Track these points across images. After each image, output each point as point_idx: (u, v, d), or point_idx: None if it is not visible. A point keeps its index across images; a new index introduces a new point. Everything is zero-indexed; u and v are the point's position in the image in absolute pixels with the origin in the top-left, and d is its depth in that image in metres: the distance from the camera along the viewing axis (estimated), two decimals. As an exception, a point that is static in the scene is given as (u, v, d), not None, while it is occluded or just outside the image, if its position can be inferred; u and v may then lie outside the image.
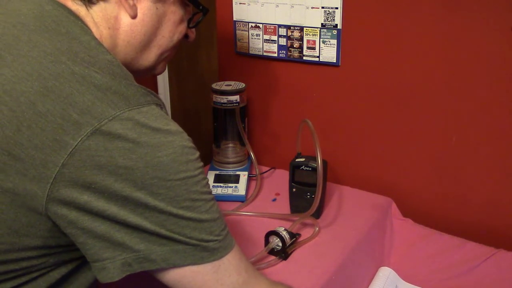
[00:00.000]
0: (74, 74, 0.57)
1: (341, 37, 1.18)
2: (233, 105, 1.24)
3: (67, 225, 0.57)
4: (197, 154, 0.62)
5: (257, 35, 1.31)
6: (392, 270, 1.09)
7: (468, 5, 1.01)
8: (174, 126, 0.61)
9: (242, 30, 1.33)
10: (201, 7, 0.79)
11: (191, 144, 0.61)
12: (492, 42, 1.01)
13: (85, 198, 0.56)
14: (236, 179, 1.24)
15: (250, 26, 1.31)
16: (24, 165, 0.54)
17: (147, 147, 0.56)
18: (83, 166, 0.54)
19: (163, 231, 0.59)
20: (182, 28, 0.77)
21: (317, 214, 1.11)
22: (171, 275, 0.62)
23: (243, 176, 1.25)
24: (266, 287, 0.71)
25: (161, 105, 0.63)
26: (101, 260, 0.59)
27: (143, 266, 0.60)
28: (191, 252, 0.61)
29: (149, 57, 0.75)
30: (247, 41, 1.33)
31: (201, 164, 0.62)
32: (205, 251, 0.62)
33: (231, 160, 1.30)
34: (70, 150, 0.54)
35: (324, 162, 1.06)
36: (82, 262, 0.66)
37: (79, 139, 0.54)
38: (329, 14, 1.17)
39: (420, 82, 1.12)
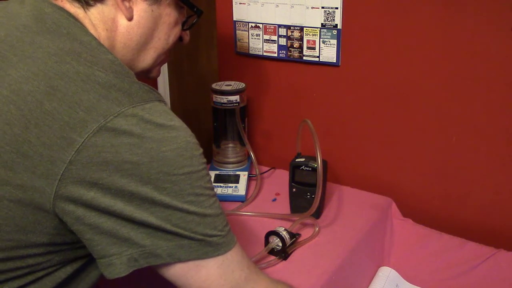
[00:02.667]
0: (78, 73, 0.58)
1: (341, 37, 1.18)
2: (233, 105, 1.24)
3: (74, 221, 0.58)
4: (201, 150, 0.63)
5: (257, 35, 1.31)
6: (393, 270, 1.09)
7: (468, 5, 1.01)
8: (178, 122, 0.62)
9: (242, 30, 1.33)
10: (195, 9, 0.79)
11: (195, 140, 0.62)
12: (492, 42, 1.01)
13: (92, 194, 0.56)
14: (236, 179, 1.24)
15: (250, 26, 1.31)
16: (32, 162, 0.55)
17: (152, 142, 0.58)
18: (90, 162, 0.55)
19: (168, 226, 0.60)
20: (177, 30, 0.78)
21: (317, 214, 1.11)
22: (175, 270, 0.63)
23: (243, 176, 1.25)
24: (267, 285, 0.72)
25: (163, 102, 0.64)
26: (107, 256, 0.60)
27: (149, 261, 0.61)
28: (195, 247, 0.62)
29: (145, 59, 0.76)
30: (247, 41, 1.33)
31: (204, 160, 0.63)
32: (209, 246, 0.63)
33: (231, 160, 1.30)
34: (77, 147, 0.55)
35: (324, 162, 1.06)
36: (86, 261, 0.67)
37: (86, 136, 0.55)
38: (329, 14, 1.18)
39: (420, 82, 1.12)
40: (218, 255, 0.64)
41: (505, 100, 1.03)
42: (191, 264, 0.63)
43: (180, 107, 1.50)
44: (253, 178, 1.29)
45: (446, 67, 1.07)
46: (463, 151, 1.11)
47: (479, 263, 1.04)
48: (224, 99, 1.23)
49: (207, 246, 0.63)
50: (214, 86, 1.25)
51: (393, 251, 1.16)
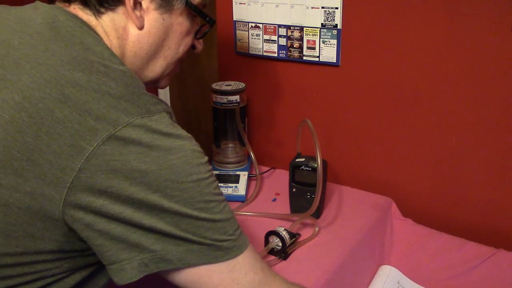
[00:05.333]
0: (90, 82, 0.59)
1: (341, 37, 1.18)
2: (233, 105, 1.24)
3: (83, 228, 0.58)
4: (206, 158, 0.64)
5: (257, 35, 1.31)
6: (393, 268, 1.09)
7: (468, 5, 1.01)
8: (184, 132, 0.63)
9: (242, 30, 1.33)
10: (208, 19, 0.79)
11: (200, 149, 0.63)
12: (492, 42, 1.01)
13: (101, 202, 0.57)
14: (236, 179, 1.24)
15: (250, 26, 1.31)
16: (42, 170, 0.56)
17: (160, 151, 0.58)
18: (99, 170, 0.56)
19: (177, 232, 0.60)
20: (188, 39, 0.78)
21: (317, 214, 1.11)
22: (187, 275, 0.63)
23: (243, 176, 1.25)
24: (283, 287, 0.71)
25: (171, 113, 0.64)
26: (118, 262, 0.60)
27: (159, 266, 0.61)
28: (205, 252, 0.62)
29: (155, 68, 0.76)
30: (247, 41, 1.33)
31: (210, 167, 0.64)
32: (220, 250, 0.63)
33: (231, 160, 1.30)
34: (87, 155, 0.55)
35: (324, 162, 1.06)
36: (96, 269, 0.67)
37: (95, 145, 0.56)
38: (329, 14, 1.18)
39: (420, 82, 1.12)
40: (229, 259, 0.64)
41: (505, 100, 1.03)
42: (202, 269, 0.63)
43: (180, 107, 1.50)
44: (253, 178, 1.29)
45: (446, 67, 1.07)
46: (463, 151, 1.11)
47: (479, 263, 1.04)
48: (224, 99, 1.23)
49: (217, 251, 0.63)
50: (214, 86, 1.26)
51: (393, 251, 1.15)
